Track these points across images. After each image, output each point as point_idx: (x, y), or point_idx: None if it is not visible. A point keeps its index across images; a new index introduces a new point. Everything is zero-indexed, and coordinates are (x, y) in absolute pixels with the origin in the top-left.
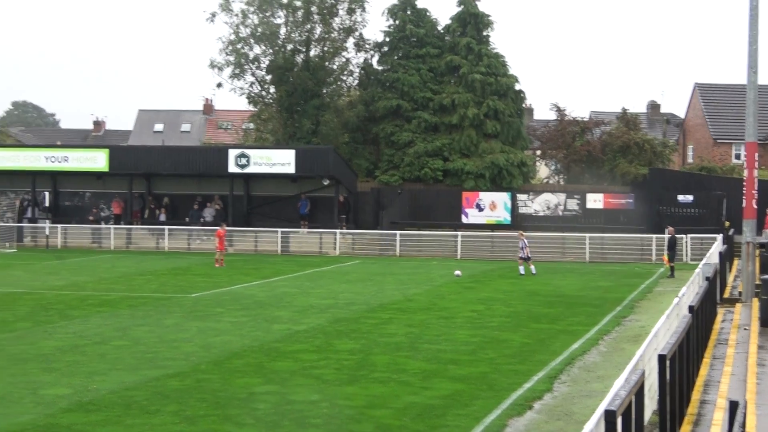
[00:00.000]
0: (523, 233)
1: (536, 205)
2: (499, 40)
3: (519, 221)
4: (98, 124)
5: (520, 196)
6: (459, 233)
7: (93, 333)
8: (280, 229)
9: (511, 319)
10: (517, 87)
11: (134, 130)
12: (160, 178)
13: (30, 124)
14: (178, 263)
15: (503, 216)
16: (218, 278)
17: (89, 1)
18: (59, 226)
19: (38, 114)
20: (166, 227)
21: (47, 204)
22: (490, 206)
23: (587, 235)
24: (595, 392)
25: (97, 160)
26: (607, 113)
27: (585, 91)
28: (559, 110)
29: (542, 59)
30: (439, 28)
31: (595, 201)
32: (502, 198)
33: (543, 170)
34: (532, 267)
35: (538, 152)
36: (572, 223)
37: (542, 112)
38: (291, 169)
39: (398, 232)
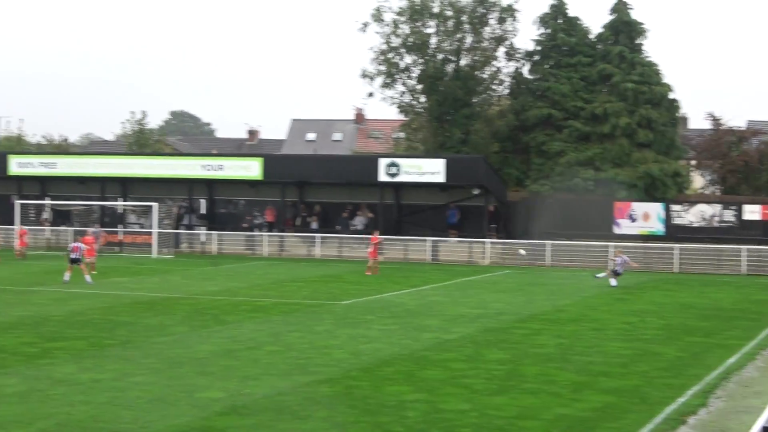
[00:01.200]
0: (622, 251)
1: (691, 215)
2: (652, 47)
3: (673, 232)
4: (252, 133)
5: (674, 207)
6: (611, 244)
7: (246, 338)
8: (429, 238)
9: (665, 332)
10: (671, 96)
11: (287, 139)
12: (312, 186)
13: (187, 133)
14: (330, 270)
15: (657, 227)
16: (369, 286)
17: (245, 15)
18: (214, 232)
19: (195, 123)
20: (318, 235)
21: (203, 211)
22: (643, 217)
23: (744, 247)
24: (752, 408)
25: (251, 169)
26: (765, 122)
27: (742, 100)
28: (714, 119)
29: (697, 67)
30: (591, 36)
31: (753, 212)
32: (656, 208)
33: (698, 180)
34: (612, 280)
35: (693, 162)
36: (728, 234)
37: (697, 121)
38: (441, 178)
39: (549, 241)
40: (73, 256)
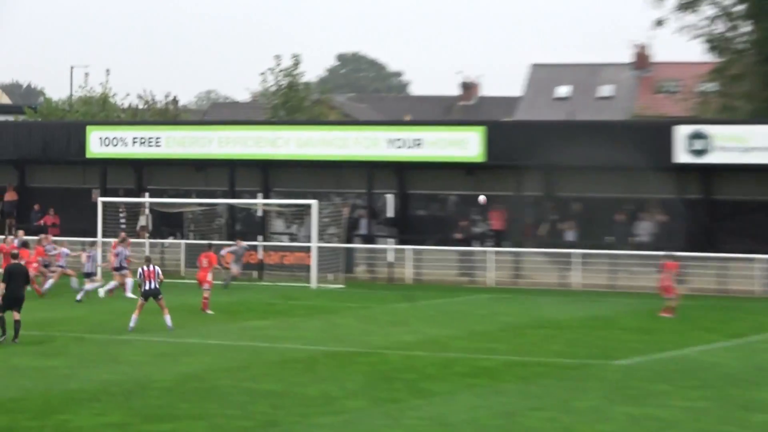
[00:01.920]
0: None
1: None
2: None
3: None
4: (469, 87)
5: None
6: None
7: (461, 420)
8: (760, 256)
9: None
10: None
11: (525, 96)
12: (566, 172)
13: (364, 88)
14: (596, 309)
15: None
16: (661, 336)
17: None
18: (410, 248)
19: (376, 73)
20: (577, 251)
21: (390, 214)
22: None
23: None
24: None
25: (466, 145)
26: None
27: None
28: None
29: None
30: None
31: None
32: None
33: None
34: None
35: None
36: None
37: None
38: None
39: None
40: (148, 285)
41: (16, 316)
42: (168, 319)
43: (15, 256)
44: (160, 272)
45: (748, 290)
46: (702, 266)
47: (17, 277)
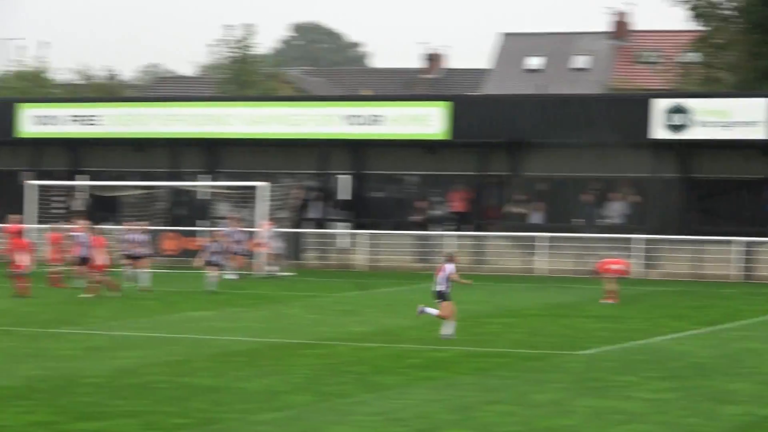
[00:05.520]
0: None
1: None
2: None
3: None
4: (434, 59)
5: None
6: None
7: (413, 415)
8: (738, 238)
9: None
10: None
11: (494, 69)
12: (534, 150)
13: (320, 60)
14: (563, 296)
15: None
16: (629, 323)
17: None
18: (364, 232)
19: (334, 44)
20: (543, 234)
21: (345, 196)
22: None
23: None
24: None
25: (429, 121)
26: None
27: None
28: None
29: None
30: None
31: None
32: None
33: None
34: None
35: None
36: None
37: None
38: (761, 132)
39: None
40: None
41: None
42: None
43: None
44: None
45: (723, 275)
46: (676, 249)
47: None
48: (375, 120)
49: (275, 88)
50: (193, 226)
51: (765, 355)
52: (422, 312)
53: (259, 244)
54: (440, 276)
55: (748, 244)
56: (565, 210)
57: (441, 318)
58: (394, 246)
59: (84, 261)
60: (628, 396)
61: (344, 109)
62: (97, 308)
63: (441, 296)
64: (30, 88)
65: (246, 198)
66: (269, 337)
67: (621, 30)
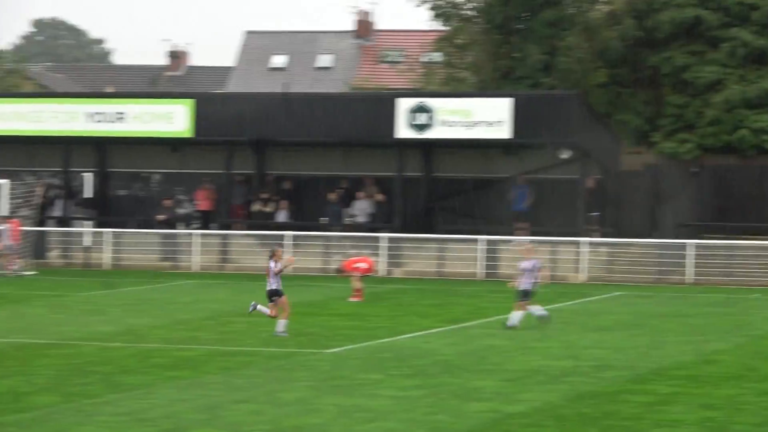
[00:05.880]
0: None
1: None
2: None
3: None
4: (177, 56)
5: None
6: None
7: (160, 414)
8: (482, 237)
9: None
10: None
11: (238, 67)
12: (280, 149)
13: (62, 57)
14: (309, 295)
15: None
16: (375, 321)
17: None
18: (108, 230)
19: (77, 40)
20: (289, 233)
21: (88, 194)
22: None
23: None
24: None
25: (173, 119)
26: None
27: None
28: None
29: None
30: None
31: None
32: None
33: None
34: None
35: None
36: None
37: None
38: (504, 131)
39: (691, 241)
40: None
41: None
42: None
43: None
44: None
45: (469, 273)
46: (421, 248)
47: None
48: (119, 117)
49: (17, 84)
50: None
51: (508, 352)
52: (254, 309)
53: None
54: (270, 274)
55: (491, 242)
56: (311, 208)
57: (271, 317)
58: (139, 244)
59: None
60: (375, 394)
61: (87, 106)
62: None
63: (275, 294)
64: None
65: None
66: (12, 337)
67: (364, 29)
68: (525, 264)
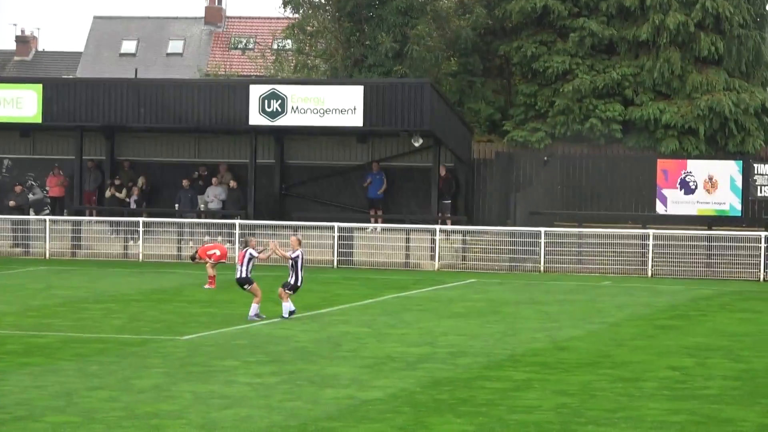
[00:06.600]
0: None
1: None
2: None
3: (757, 211)
4: (25, 41)
5: (761, 168)
6: (650, 231)
7: (13, 402)
8: (335, 224)
9: (742, 384)
10: None
11: (86, 52)
12: (131, 135)
13: None
14: (163, 281)
15: (728, 201)
16: (230, 308)
17: None
18: None
19: None
20: (141, 219)
21: None
22: (707, 185)
23: None
24: None
25: (21, 104)
26: None
27: None
28: None
29: None
30: None
31: None
32: (728, 170)
33: None
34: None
35: None
36: None
37: None
38: (357, 119)
39: (543, 229)
40: None
41: None
42: None
43: None
44: None
45: (324, 260)
46: (274, 233)
47: None
48: None
49: None
50: None
51: (363, 339)
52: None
53: None
54: (242, 262)
55: (345, 230)
56: (165, 195)
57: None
58: None
59: None
60: (231, 380)
61: None
62: None
63: (246, 282)
64: None
65: None
66: None
67: (214, 16)
68: (293, 255)
